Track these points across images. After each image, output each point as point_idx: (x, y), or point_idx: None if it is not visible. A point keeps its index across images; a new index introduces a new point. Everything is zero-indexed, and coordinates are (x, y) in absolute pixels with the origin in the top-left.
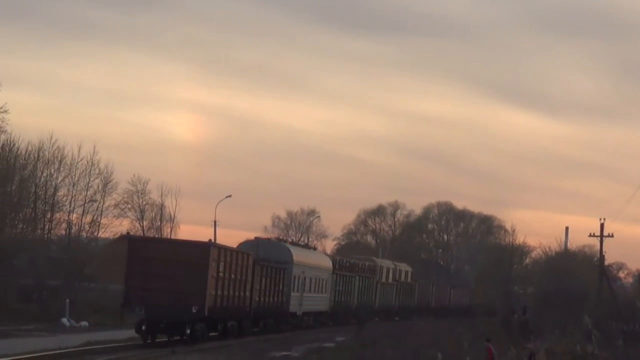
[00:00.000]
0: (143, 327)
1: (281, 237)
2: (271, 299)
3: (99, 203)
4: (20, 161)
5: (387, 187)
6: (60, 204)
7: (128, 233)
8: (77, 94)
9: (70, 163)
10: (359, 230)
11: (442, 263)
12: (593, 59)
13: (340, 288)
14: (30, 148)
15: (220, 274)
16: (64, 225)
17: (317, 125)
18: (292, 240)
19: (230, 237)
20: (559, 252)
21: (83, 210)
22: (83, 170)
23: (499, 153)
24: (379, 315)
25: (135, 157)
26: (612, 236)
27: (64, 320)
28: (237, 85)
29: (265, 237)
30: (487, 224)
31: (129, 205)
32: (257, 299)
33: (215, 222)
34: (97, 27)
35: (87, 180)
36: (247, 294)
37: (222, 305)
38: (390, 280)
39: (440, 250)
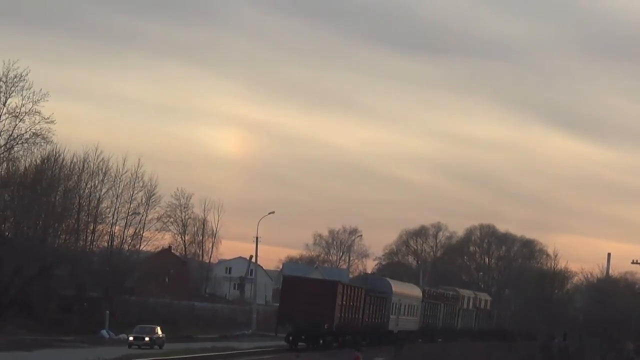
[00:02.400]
0: (290, 338)
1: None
2: (376, 320)
3: (142, 216)
4: (65, 172)
5: (429, 208)
6: (103, 216)
7: (170, 248)
8: (124, 106)
9: (115, 175)
10: (400, 250)
11: (482, 286)
12: (638, 84)
13: (428, 312)
14: (75, 159)
15: (343, 303)
16: (107, 237)
17: (362, 144)
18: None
19: (272, 254)
20: (600, 278)
21: (126, 223)
22: (127, 183)
23: (543, 177)
24: (460, 335)
25: (180, 170)
26: None
27: (104, 332)
28: (284, 102)
29: (307, 254)
30: (529, 248)
31: (172, 219)
32: (367, 319)
33: (257, 238)
34: (147, 40)
35: (131, 192)
36: (360, 316)
37: (343, 324)
38: (470, 307)
39: (482, 273)
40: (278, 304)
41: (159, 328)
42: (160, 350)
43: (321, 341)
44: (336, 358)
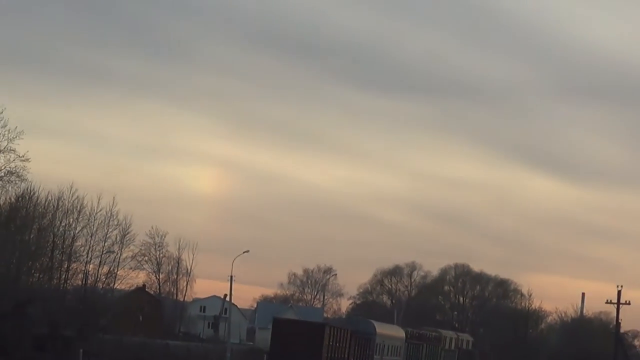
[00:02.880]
0: None
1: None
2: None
3: (117, 254)
4: (40, 210)
5: (404, 248)
6: (77, 254)
7: (144, 286)
8: (99, 144)
9: (89, 213)
10: (375, 289)
11: (457, 325)
12: (614, 124)
13: (411, 353)
14: (50, 197)
15: (330, 343)
16: (81, 275)
17: (338, 183)
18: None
19: (247, 292)
20: (574, 317)
21: (100, 261)
22: (102, 221)
23: (518, 216)
24: None
25: (154, 209)
26: (629, 303)
27: None
28: (258, 140)
29: (281, 293)
30: (503, 288)
31: (146, 258)
32: (352, 359)
33: (231, 277)
34: (122, 78)
35: (106, 231)
36: (345, 356)
37: None
38: (452, 347)
39: (456, 313)
40: (258, 345)
41: None
42: None
43: None
44: None
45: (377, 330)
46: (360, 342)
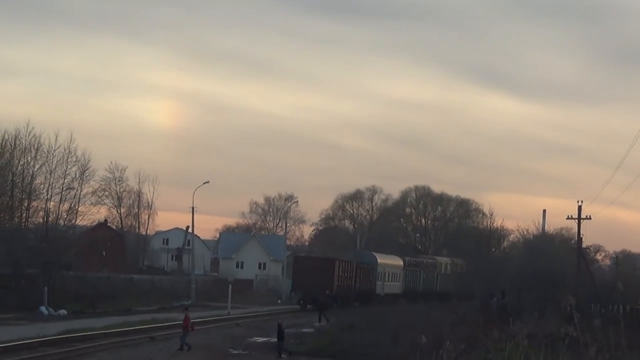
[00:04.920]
0: (302, 302)
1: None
2: (365, 286)
3: (77, 191)
4: None
5: (364, 172)
6: (37, 192)
7: (106, 221)
8: (54, 81)
9: (47, 151)
10: (337, 215)
11: (419, 247)
12: (568, 41)
13: (409, 278)
14: (6, 136)
15: (340, 274)
16: (42, 213)
17: (295, 111)
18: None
19: (209, 223)
20: (536, 235)
21: (60, 198)
22: (60, 158)
23: (476, 137)
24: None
25: (113, 144)
26: (590, 218)
27: (43, 308)
28: (214, 71)
29: (243, 223)
30: (465, 208)
31: (107, 193)
32: (358, 286)
33: (193, 208)
34: (75, 13)
35: (65, 168)
36: (352, 283)
37: (340, 290)
38: (449, 271)
39: (418, 235)
40: (222, 275)
41: None
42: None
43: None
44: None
45: (378, 260)
46: (364, 271)
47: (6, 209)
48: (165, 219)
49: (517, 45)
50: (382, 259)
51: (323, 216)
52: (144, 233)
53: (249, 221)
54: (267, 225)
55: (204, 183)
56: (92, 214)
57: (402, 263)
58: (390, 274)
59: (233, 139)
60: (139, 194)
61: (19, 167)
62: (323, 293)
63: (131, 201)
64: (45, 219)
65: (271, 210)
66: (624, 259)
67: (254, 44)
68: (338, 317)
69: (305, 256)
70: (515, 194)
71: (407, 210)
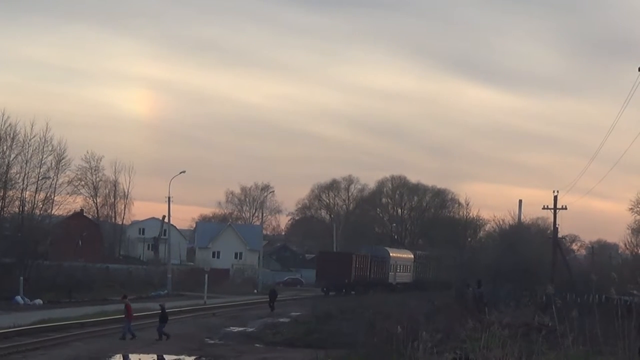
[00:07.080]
0: (324, 289)
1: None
2: (379, 276)
3: (53, 180)
4: None
5: (341, 162)
6: (12, 182)
7: (82, 211)
8: (30, 69)
9: (23, 140)
10: (313, 205)
11: (396, 237)
12: (547, 32)
13: (419, 269)
14: None
15: (356, 266)
16: (17, 202)
17: (272, 100)
18: None
19: (185, 213)
20: (512, 224)
21: (36, 188)
22: (36, 147)
23: (453, 127)
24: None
25: (89, 133)
26: (566, 208)
27: (18, 298)
28: (191, 60)
29: (220, 212)
30: (441, 198)
31: (83, 182)
32: (373, 276)
33: (169, 198)
34: (50, 3)
35: (40, 157)
36: (367, 274)
37: (357, 279)
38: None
39: (395, 225)
40: (199, 264)
41: None
42: (78, 313)
43: (343, 290)
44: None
45: (391, 254)
46: (378, 264)
47: None
48: (142, 208)
49: (496, 35)
50: (394, 253)
51: (299, 206)
52: (120, 223)
53: (226, 211)
54: (244, 215)
55: (180, 172)
56: (68, 203)
57: (412, 256)
58: (402, 266)
59: (209, 129)
60: (115, 184)
61: None
62: (343, 282)
63: (107, 191)
64: (21, 209)
65: (247, 200)
66: (599, 249)
67: (231, 33)
68: (316, 307)
69: (327, 251)
70: (491, 184)
71: (384, 200)
